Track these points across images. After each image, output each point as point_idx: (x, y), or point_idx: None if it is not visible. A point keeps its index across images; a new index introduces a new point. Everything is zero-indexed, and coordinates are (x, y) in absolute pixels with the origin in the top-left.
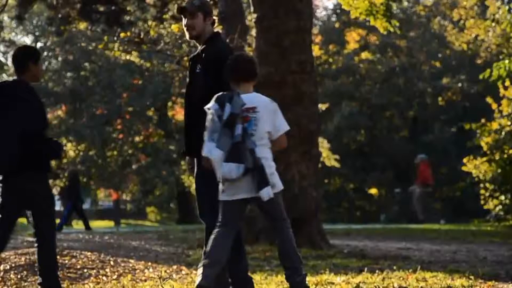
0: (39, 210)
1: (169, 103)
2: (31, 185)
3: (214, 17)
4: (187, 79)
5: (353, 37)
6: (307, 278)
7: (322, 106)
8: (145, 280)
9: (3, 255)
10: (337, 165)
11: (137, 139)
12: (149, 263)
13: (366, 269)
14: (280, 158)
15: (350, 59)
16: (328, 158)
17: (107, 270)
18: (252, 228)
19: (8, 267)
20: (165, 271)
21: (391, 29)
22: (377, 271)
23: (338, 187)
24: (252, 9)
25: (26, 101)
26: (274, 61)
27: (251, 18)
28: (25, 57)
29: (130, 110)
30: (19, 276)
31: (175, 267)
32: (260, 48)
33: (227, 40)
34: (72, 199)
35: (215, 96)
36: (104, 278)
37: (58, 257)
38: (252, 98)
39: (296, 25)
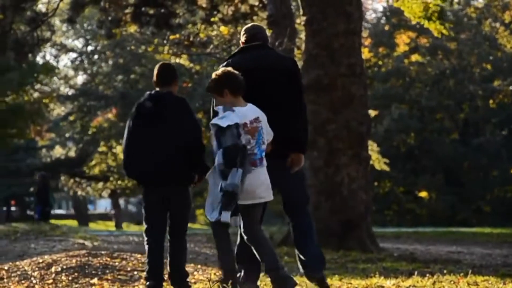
0: (179, 215)
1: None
2: (176, 196)
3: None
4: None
5: (403, 40)
6: (357, 281)
7: (372, 113)
8: (195, 283)
9: (54, 257)
10: (386, 168)
11: None
12: (199, 266)
13: (416, 272)
14: (330, 160)
15: (400, 62)
16: (378, 161)
17: None
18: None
19: (59, 269)
20: (215, 274)
21: (445, 32)
22: (427, 275)
23: (388, 190)
24: (301, 11)
25: (177, 112)
26: (324, 64)
27: (300, 21)
28: (175, 72)
29: None
30: (70, 278)
31: None
32: (309, 51)
33: (276, 44)
34: (41, 203)
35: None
36: None
37: (108, 259)
38: (252, 109)
39: (345, 27)
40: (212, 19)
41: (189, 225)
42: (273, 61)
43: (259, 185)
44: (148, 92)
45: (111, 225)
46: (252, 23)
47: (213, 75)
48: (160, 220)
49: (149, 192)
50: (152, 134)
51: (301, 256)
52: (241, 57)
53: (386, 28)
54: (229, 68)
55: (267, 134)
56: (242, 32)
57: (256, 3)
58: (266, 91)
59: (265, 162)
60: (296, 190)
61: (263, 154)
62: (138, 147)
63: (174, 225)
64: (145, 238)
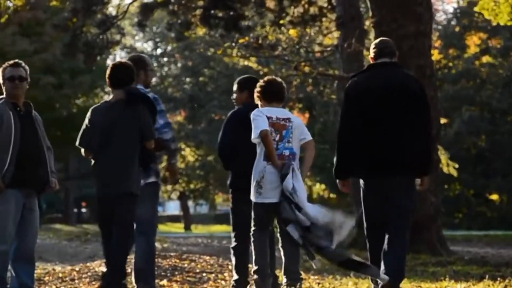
0: None
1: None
2: None
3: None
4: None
5: (473, 41)
6: (427, 285)
7: (442, 120)
8: None
9: (129, 258)
10: (454, 173)
11: None
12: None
13: (487, 276)
14: None
15: (470, 63)
16: (446, 164)
17: (226, 274)
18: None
19: (129, 270)
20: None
21: None
22: (499, 279)
23: (458, 192)
24: (370, 13)
25: None
26: None
27: (369, 23)
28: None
29: None
30: None
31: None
32: None
33: (345, 45)
34: None
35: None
36: (223, 282)
37: (177, 260)
38: (284, 111)
39: (415, 29)
40: (281, 21)
41: None
42: (396, 81)
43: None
44: (246, 103)
45: (180, 227)
46: (381, 38)
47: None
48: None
49: (241, 197)
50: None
51: (382, 262)
52: (364, 76)
53: (457, 29)
54: (272, 78)
55: (301, 135)
56: (372, 46)
57: (325, 5)
58: (386, 111)
59: (291, 161)
60: (401, 214)
61: (287, 151)
62: (241, 152)
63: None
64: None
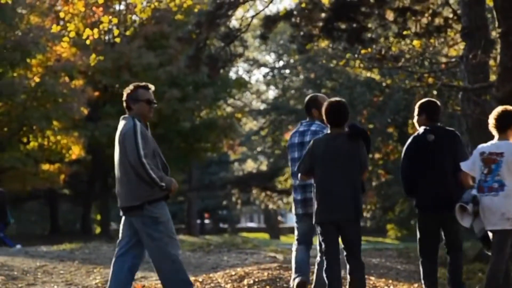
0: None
1: (410, 121)
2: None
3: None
4: None
5: None
6: None
7: None
8: None
9: (246, 269)
10: None
11: (376, 156)
12: (390, 281)
13: None
14: None
15: None
16: None
17: (346, 287)
18: None
19: (251, 281)
20: None
21: None
22: None
23: None
24: (496, 23)
25: (451, 143)
26: None
27: (495, 33)
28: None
29: (370, 127)
30: None
31: (416, 285)
32: (504, 64)
33: (470, 56)
34: (3, 220)
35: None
36: None
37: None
38: (504, 144)
39: None
40: (405, 33)
41: (380, 239)
42: None
43: (486, 211)
44: (424, 127)
45: None
46: None
47: None
48: (434, 243)
49: (427, 218)
50: (432, 163)
51: None
52: None
53: None
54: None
55: None
56: None
57: (450, 15)
58: None
59: (499, 191)
60: None
61: (496, 184)
62: (420, 174)
63: (452, 241)
64: (420, 259)
